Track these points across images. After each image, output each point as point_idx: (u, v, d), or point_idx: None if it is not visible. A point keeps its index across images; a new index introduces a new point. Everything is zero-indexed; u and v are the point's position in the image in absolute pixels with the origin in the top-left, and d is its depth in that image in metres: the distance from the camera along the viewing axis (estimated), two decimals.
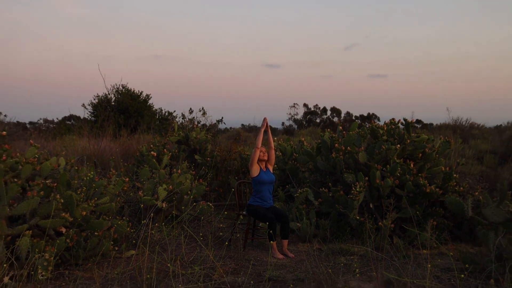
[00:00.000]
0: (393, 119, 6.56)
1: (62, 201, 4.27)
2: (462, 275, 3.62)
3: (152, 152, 7.61)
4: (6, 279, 3.63)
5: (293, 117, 34.78)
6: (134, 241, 5.12)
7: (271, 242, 4.93)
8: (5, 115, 12.98)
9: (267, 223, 5.02)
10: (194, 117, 13.80)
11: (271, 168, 5.51)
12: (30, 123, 23.20)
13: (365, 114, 34.82)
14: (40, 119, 23.55)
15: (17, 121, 16.44)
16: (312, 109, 35.40)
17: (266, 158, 5.40)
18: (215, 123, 14.10)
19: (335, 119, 34.03)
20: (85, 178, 5.25)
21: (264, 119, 5.46)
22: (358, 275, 4.20)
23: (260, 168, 5.34)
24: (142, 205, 5.61)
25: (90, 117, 17.56)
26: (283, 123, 34.43)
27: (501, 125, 15.31)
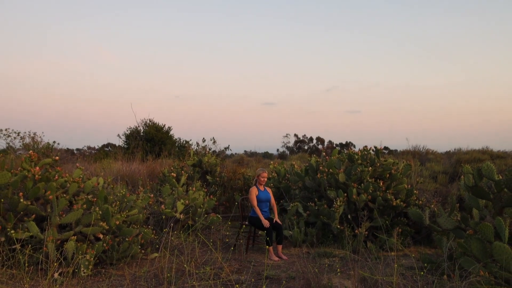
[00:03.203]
0: (366, 146, 6.60)
1: (100, 212, 4.31)
2: (422, 272, 3.63)
3: (172, 173, 7.66)
4: (56, 274, 3.64)
5: (285, 145, 34.95)
6: (157, 246, 5.10)
7: (268, 247, 4.91)
8: (58, 143, 13.09)
9: (265, 231, 5.01)
10: (206, 145, 13.87)
11: (268, 190, 5.57)
12: (77, 149, 23.13)
13: (344, 142, 34.96)
14: (85, 146, 23.51)
15: (67, 148, 16.47)
16: (301, 138, 35.57)
17: (264, 183, 5.47)
18: (223, 150, 14.16)
19: (320, 146, 34.12)
20: (118, 194, 5.28)
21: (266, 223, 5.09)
22: (339, 273, 4.19)
23: (259, 190, 5.39)
24: (164, 216, 5.62)
25: (123, 144, 17.57)
26: (277, 150, 34.61)
27: (450, 150, 15.36)
